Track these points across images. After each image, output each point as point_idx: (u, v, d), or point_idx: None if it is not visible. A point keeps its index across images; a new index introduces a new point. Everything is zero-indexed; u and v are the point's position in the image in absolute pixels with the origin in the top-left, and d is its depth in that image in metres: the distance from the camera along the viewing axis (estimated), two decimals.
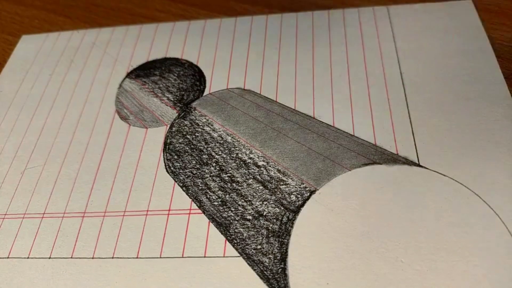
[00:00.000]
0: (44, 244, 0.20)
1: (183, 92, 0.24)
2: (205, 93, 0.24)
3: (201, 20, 0.28)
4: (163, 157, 0.22)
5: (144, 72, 0.26)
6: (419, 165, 0.20)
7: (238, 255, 0.18)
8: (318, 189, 0.19)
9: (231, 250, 0.18)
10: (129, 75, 0.26)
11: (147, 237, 0.19)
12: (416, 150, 0.20)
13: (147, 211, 0.20)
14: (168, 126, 0.23)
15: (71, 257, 0.19)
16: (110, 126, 0.24)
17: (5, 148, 0.24)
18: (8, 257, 0.19)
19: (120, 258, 0.19)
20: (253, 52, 0.26)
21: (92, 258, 0.19)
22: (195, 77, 0.25)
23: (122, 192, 0.21)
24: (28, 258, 0.19)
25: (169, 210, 0.20)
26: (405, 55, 0.24)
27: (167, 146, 0.22)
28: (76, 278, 0.18)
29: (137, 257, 0.19)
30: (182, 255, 0.18)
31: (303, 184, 0.20)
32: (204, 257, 0.18)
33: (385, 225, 0.18)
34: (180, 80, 0.25)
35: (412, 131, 0.21)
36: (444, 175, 0.19)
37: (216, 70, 0.25)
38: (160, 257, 0.18)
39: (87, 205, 0.21)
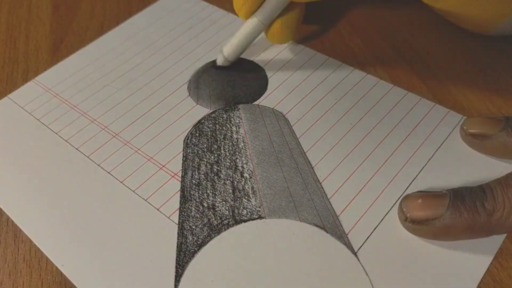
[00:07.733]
0: None
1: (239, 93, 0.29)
2: (256, 102, 0.28)
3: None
4: (190, 129, 0.27)
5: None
6: (354, 253, 0.21)
7: (177, 223, 0.23)
8: (266, 218, 0.22)
9: (175, 216, 0.23)
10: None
11: (135, 168, 0.25)
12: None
13: (151, 157, 0.26)
14: (211, 110, 0.28)
15: None
16: (177, 90, 0.30)
17: None
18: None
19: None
20: (325, 102, 0.28)
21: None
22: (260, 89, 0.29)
23: (153, 130, 0.27)
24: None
25: (163, 165, 0.25)
26: None
27: (198, 124, 0.27)
28: None
29: (121, 181, 0.25)
30: (135, 191, 0.24)
31: (260, 207, 0.23)
32: (157, 208, 0.23)
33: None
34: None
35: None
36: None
37: (279, 89, 0.29)
38: (121, 182, 0.24)
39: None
